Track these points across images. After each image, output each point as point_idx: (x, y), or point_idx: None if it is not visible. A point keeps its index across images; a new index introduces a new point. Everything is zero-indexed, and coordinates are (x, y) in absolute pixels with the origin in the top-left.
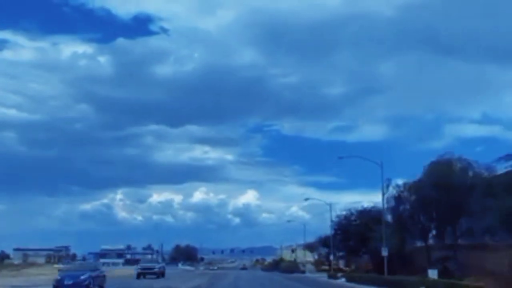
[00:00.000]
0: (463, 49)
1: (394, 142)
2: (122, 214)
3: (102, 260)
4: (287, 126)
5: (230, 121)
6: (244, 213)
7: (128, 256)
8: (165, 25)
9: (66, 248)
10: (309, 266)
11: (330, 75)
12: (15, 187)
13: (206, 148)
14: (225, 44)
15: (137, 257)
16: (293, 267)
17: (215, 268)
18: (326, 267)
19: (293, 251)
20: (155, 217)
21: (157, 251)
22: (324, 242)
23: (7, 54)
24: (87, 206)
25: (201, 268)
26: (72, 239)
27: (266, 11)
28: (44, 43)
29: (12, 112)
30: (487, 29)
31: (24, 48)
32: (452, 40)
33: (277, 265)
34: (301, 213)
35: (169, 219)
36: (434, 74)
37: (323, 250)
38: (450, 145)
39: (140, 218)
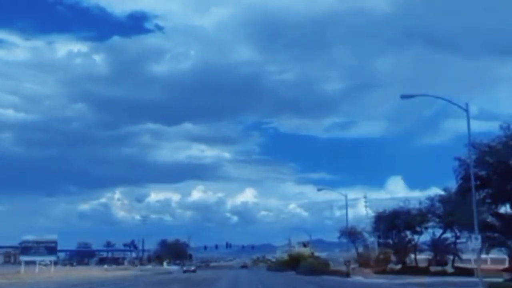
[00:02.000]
0: (460, 44)
1: (392, 138)
2: (120, 213)
3: (24, 258)
4: (285, 124)
5: (227, 119)
6: (242, 211)
7: (104, 254)
8: (161, 23)
9: None
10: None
11: (327, 71)
12: (12, 187)
13: (203, 146)
14: (221, 41)
15: (116, 255)
16: (320, 267)
17: (192, 268)
18: (396, 266)
19: (305, 245)
20: (153, 216)
21: (135, 247)
22: (385, 221)
23: (2, 54)
24: (85, 206)
25: (191, 268)
26: (67, 238)
27: (262, 8)
28: (39, 43)
29: (9, 113)
30: (484, 24)
31: (19, 47)
32: (449, 35)
33: (293, 264)
34: (299, 210)
35: (167, 217)
36: (431, 69)
37: (372, 239)
38: (448, 141)
39: (138, 217)
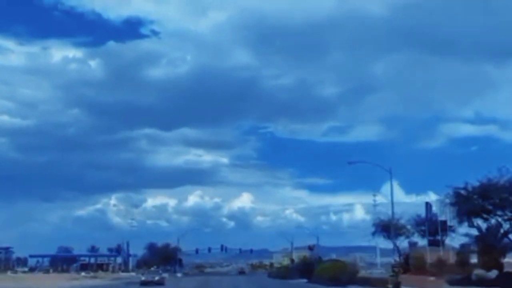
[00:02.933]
0: (457, 48)
1: (389, 142)
2: (116, 219)
3: None
4: (282, 128)
5: (224, 124)
6: (239, 216)
7: (85, 260)
8: (156, 28)
9: (7, 250)
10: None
11: (324, 75)
12: (7, 193)
13: (200, 151)
14: (217, 45)
15: (101, 260)
16: (345, 274)
17: (156, 278)
18: (486, 273)
19: (311, 248)
20: (149, 221)
21: (118, 251)
22: (464, 204)
23: None
24: (81, 212)
25: (179, 275)
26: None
27: (258, 12)
28: (34, 48)
29: (4, 118)
30: (481, 27)
31: (14, 52)
32: (446, 39)
33: (303, 270)
34: (295, 215)
35: (163, 223)
36: (428, 73)
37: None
38: (444, 145)
39: (134, 222)
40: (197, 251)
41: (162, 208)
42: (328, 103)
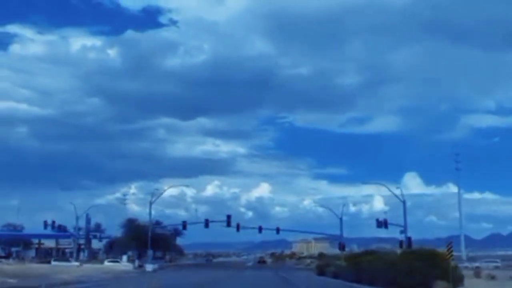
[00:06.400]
0: (478, 38)
1: (408, 134)
2: (134, 208)
3: None
4: (300, 118)
5: (242, 114)
6: (257, 206)
7: (45, 242)
8: (175, 17)
9: None
10: None
11: (343, 65)
12: (27, 182)
13: (218, 141)
14: (235, 35)
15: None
16: None
17: None
18: None
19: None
20: (168, 211)
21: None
22: None
23: (16, 48)
24: (99, 200)
25: (149, 268)
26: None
27: (276, 1)
28: (53, 37)
29: (23, 107)
30: (503, 16)
31: (33, 41)
32: (467, 28)
33: None
34: (313, 206)
35: (181, 212)
36: (448, 63)
37: None
38: (465, 136)
39: (152, 212)
40: (184, 226)
41: (180, 197)
42: (347, 93)
